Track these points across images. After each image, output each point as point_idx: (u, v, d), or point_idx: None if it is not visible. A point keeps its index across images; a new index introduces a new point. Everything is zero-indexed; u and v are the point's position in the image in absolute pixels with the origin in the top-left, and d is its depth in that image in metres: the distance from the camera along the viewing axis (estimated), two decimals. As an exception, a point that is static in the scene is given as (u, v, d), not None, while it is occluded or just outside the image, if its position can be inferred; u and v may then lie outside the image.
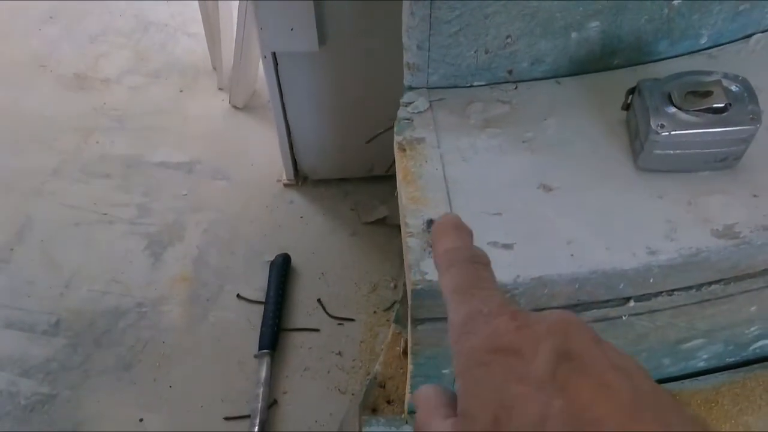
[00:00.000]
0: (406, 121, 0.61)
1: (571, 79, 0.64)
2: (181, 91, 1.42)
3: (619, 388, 0.21)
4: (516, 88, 0.65)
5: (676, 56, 0.63)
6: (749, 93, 0.49)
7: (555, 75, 0.65)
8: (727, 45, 0.63)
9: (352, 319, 0.94)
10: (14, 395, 0.79)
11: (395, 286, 0.98)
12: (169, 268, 1.00)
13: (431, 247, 0.32)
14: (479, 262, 0.29)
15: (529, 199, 0.51)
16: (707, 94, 0.49)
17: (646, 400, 0.21)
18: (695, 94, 0.49)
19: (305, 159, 1.19)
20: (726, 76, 0.51)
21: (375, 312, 0.95)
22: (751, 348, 0.55)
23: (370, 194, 1.16)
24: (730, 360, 0.56)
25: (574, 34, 0.60)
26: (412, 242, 0.49)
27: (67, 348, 0.86)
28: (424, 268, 0.47)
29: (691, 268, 0.46)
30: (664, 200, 0.49)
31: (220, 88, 1.46)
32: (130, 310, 0.93)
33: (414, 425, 0.27)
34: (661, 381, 0.56)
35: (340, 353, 0.89)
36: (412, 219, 0.50)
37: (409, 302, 0.48)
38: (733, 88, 0.50)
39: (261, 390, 0.82)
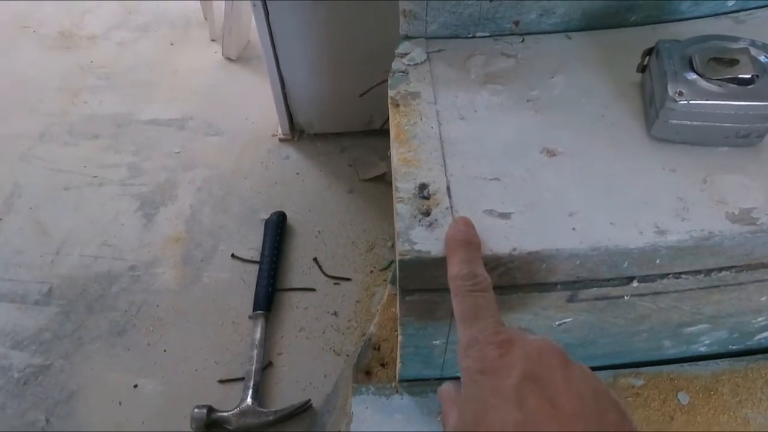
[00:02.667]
0: (401, 74, 0.52)
1: (583, 34, 0.54)
2: (171, 44, 1.30)
3: (566, 409, 0.26)
4: (522, 41, 0.54)
5: (700, 17, 0.53)
6: None
7: (566, 29, 0.54)
8: (756, 10, 0.54)
9: (348, 279, 0.87)
10: (7, 369, 0.75)
11: (392, 246, 0.91)
12: (162, 229, 0.93)
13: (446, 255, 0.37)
14: (479, 290, 0.33)
15: (530, 164, 0.42)
16: (732, 62, 0.40)
17: (591, 416, 0.26)
18: (719, 62, 0.40)
19: (301, 113, 1.08)
20: (754, 44, 0.42)
21: (372, 271, 0.88)
22: (756, 338, 0.48)
23: (368, 149, 1.06)
24: (732, 347, 0.49)
25: None
26: (401, 208, 0.41)
27: (59, 316, 0.81)
28: (413, 237, 0.39)
29: (702, 252, 0.37)
30: (677, 174, 0.40)
31: (212, 40, 1.34)
32: (122, 274, 0.86)
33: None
34: (660, 363, 0.49)
35: (335, 313, 0.83)
36: (403, 183, 0.42)
37: (397, 272, 0.40)
38: (762, 58, 0.41)
39: (255, 352, 0.76)
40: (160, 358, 0.77)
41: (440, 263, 0.38)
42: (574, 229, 0.38)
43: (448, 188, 0.42)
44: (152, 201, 0.97)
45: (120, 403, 0.72)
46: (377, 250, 0.91)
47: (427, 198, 0.41)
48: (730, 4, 0.53)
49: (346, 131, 1.09)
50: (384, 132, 1.06)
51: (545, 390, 0.27)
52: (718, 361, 0.48)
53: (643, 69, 0.46)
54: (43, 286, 0.85)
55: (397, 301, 0.46)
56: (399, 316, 0.45)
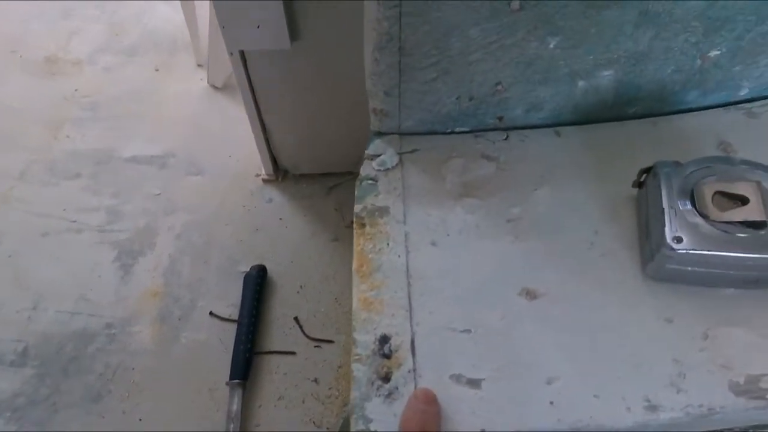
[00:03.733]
0: (370, 182, 0.48)
1: (574, 129, 0.48)
2: (156, 70, 1.25)
3: None
4: (507, 138, 0.49)
5: (708, 107, 0.47)
6: None
7: (555, 123, 0.49)
8: None
9: (330, 341, 0.85)
10: (-23, 438, 0.73)
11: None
12: (140, 282, 0.90)
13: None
14: None
15: (507, 310, 0.38)
16: (741, 199, 0.35)
17: None
18: (726, 197, 0.35)
19: (284, 154, 1.04)
20: (761, 167, 0.37)
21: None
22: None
23: (355, 191, 1.02)
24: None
25: (581, 83, 0.45)
26: (358, 371, 0.37)
27: (34, 379, 0.79)
28: (369, 412, 0.35)
29: (699, 427, 0.34)
30: (674, 327, 0.36)
31: (198, 65, 1.28)
32: (98, 332, 0.84)
33: None
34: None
35: (316, 380, 0.81)
36: (362, 335, 0.39)
37: None
38: None
39: (232, 426, 0.74)
40: (135, 428, 0.75)
41: (398, 444, 0.35)
42: (552, 402, 0.35)
43: (412, 342, 0.39)
44: (130, 250, 0.94)
45: (92, 479, 0.71)
46: (360, 308, 0.88)
47: (388, 357, 0.38)
48: (742, 93, 0.47)
49: (333, 172, 1.05)
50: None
51: None
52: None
53: (639, 185, 0.41)
54: (18, 345, 0.82)
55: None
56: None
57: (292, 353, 0.83)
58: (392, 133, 0.52)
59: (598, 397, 0.35)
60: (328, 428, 0.76)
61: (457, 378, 0.37)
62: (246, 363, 0.80)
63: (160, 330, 0.85)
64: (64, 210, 0.99)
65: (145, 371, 0.81)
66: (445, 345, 0.38)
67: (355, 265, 0.43)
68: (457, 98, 0.49)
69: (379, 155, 0.50)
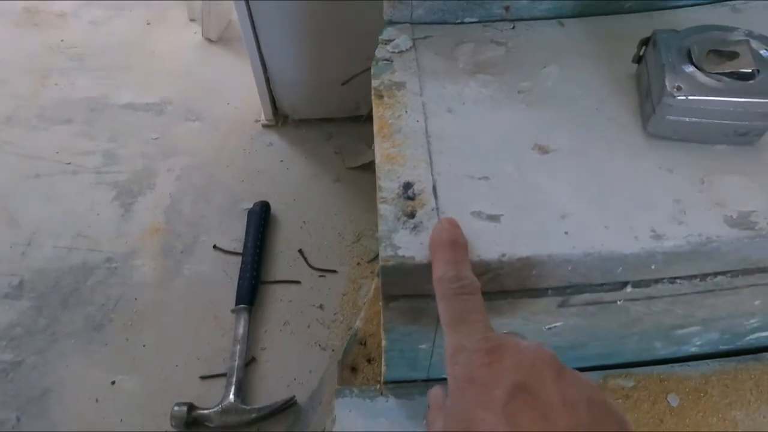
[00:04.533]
0: (385, 62, 0.49)
1: (577, 20, 0.51)
2: (148, 23, 1.25)
3: (560, 421, 0.25)
4: (513, 27, 0.52)
5: (696, 4, 0.51)
6: None
7: (558, 15, 0.52)
8: (754, 0, 0.51)
9: (334, 271, 0.85)
10: (-25, 365, 0.72)
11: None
12: (140, 220, 0.89)
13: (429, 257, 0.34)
14: (467, 293, 0.31)
15: (521, 162, 0.40)
16: (732, 55, 0.38)
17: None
18: (718, 54, 0.38)
19: (284, 97, 1.04)
20: (753, 35, 0.40)
21: (359, 263, 0.86)
22: (746, 338, 0.47)
23: (355, 136, 1.03)
24: (722, 347, 0.48)
25: None
26: (385, 210, 0.38)
27: (31, 311, 0.78)
28: (397, 241, 0.36)
29: (698, 258, 0.36)
30: (674, 174, 0.38)
31: (191, 20, 1.28)
32: (98, 266, 0.83)
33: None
34: (650, 363, 0.48)
35: (321, 306, 0.81)
36: (386, 182, 0.40)
37: (380, 278, 0.38)
38: (763, 52, 0.39)
39: (238, 348, 0.74)
40: (139, 354, 0.75)
41: (425, 270, 0.36)
42: (566, 233, 0.36)
43: (434, 188, 0.40)
44: (129, 190, 0.93)
45: (97, 401, 0.70)
46: (364, 241, 0.89)
47: (412, 198, 0.39)
48: None
49: (332, 117, 1.05)
50: (371, 118, 1.02)
51: (538, 403, 0.25)
52: (708, 361, 0.47)
53: (639, 60, 0.44)
54: (13, 279, 0.81)
55: (381, 307, 0.44)
56: (383, 321, 0.44)
57: (297, 282, 0.83)
58: (404, 22, 0.53)
59: (608, 228, 0.36)
60: (333, 350, 0.76)
61: (477, 214, 0.38)
62: (251, 290, 0.80)
63: (162, 263, 0.84)
64: (57, 153, 0.98)
65: (147, 302, 0.80)
66: (465, 189, 0.40)
67: (376, 129, 0.43)
68: (466, -17, 0.50)
69: (392, 40, 0.51)
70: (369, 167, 0.99)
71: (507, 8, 0.52)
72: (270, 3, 0.85)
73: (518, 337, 0.29)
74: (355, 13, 0.86)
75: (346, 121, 1.05)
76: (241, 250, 0.86)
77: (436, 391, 0.34)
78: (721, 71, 0.38)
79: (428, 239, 0.36)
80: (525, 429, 0.24)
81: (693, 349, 0.48)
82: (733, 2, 0.52)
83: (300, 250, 0.87)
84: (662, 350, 0.47)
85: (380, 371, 0.61)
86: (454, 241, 0.34)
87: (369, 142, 1.04)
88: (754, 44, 0.39)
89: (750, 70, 0.37)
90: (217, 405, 0.69)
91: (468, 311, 0.30)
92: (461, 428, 0.26)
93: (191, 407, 0.68)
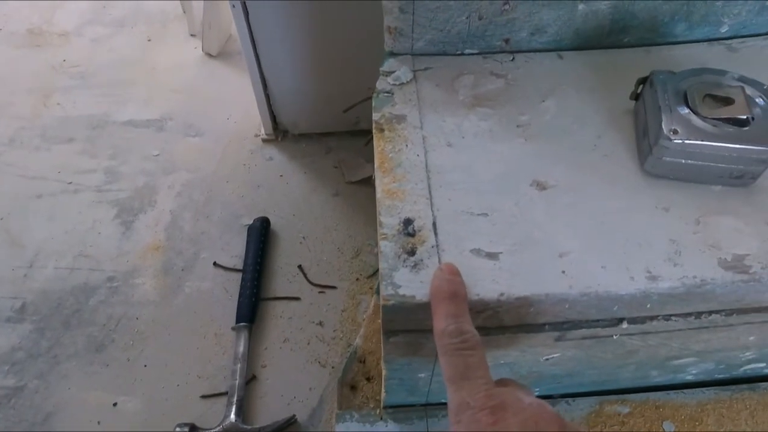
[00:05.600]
0: (386, 94, 0.49)
1: (576, 53, 0.52)
2: (148, 40, 1.24)
3: None
4: (513, 59, 0.52)
5: (693, 41, 0.51)
6: None
7: (557, 48, 0.52)
8: (750, 38, 0.53)
9: (333, 287, 0.85)
10: (-22, 392, 0.71)
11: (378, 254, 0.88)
12: (141, 237, 0.89)
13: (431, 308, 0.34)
14: (468, 348, 0.31)
15: (519, 198, 0.40)
16: (728, 101, 0.39)
17: None
18: (714, 99, 0.39)
19: (284, 112, 1.04)
20: (747, 81, 0.41)
21: (358, 279, 0.85)
22: (741, 369, 0.47)
23: (354, 151, 1.03)
24: (718, 376, 0.48)
25: (581, 6, 0.48)
26: (385, 247, 0.38)
27: (33, 334, 0.77)
28: (397, 280, 0.36)
29: (693, 298, 0.36)
30: (670, 214, 0.39)
31: (191, 35, 1.28)
32: (100, 285, 0.83)
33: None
34: (647, 390, 0.48)
35: (320, 323, 0.81)
36: (387, 217, 0.40)
37: (381, 315, 0.38)
38: (758, 99, 0.40)
39: (238, 366, 0.74)
40: (140, 374, 0.74)
41: (425, 308, 0.36)
42: (563, 272, 0.36)
43: (434, 224, 0.40)
44: (130, 208, 0.93)
45: (99, 423, 0.69)
46: (363, 257, 0.88)
47: (412, 235, 0.39)
48: (723, 30, 0.51)
49: (332, 131, 1.05)
50: (371, 132, 1.02)
51: None
52: (704, 389, 0.47)
53: (636, 97, 0.44)
54: (15, 302, 0.81)
55: (381, 340, 0.44)
56: (383, 354, 0.43)
57: (297, 299, 0.83)
58: (405, 54, 0.53)
59: (605, 268, 0.37)
60: (333, 367, 0.76)
61: (477, 251, 0.38)
62: (252, 307, 0.80)
63: (163, 281, 0.84)
64: (59, 173, 0.98)
65: (149, 320, 0.80)
66: (465, 225, 0.40)
67: (377, 163, 0.43)
68: (467, 17, 0.50)
69: (393, 71, 0.51)
70: (368, 182, 0.99)
71: (507, 40, 0.52)
72: (270, 18, 0.84)
73: (520, 393, 0.29)
74: (356, 29, 0.86)
75: (346, 136, 1.05)
76: (241, 267, 0.85)
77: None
78: (716, 116, 0.38)
79: (429, 278, 0.36)
80: None
81: (689, 378, 0.48)
82: (729, 41, 0.52)
83: (300, 266, 0.87)
84: (658, 378, 0.47)
85: (379, 389, 0.61)
86: (455, 294, 0.34)
87: (368, 156, 1.03)
88: (749, 90, 0.40)
89: (745, 117, 0.37)
90: (218, 425, 0.68)
91: (470, 367, 0.30)
92: None
93: (193, 428, 0.68)
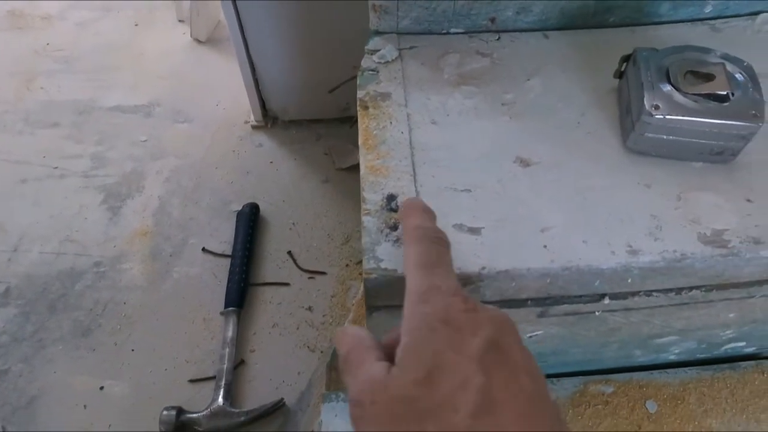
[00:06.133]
0: (371, 72, 0.49)
1: (561, 33, 0.51)
2: (135, 25, 1.22)
3: (526, 387, 0.24)
4: (498, 38, 0.51)
5: (677, 21, 0.51)
6: (754, 84, 0.39)
7: (543, 27, 0.52)
8: (733, 19, 0.52)
9: (323, 273, 0.85)
10: (-39, 375, 0.71)
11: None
12: (129, 223, 0.88)
13: (400, 220, 0.33)
14: (443, 244, 0.31)
15: (503, 175, 0.40)
16: (709, 77, 0.39)
17: (542, 404, 0.25)
18: (695, 75, 0.39)
19: (274, 98, 1.03)
20: (729, 58, 0.41)
21: (347, 265, 0.85)
22: (722, 348, 0.48)
23: (344, 137, 1.02)
24: (700, 356, 0.49)
25: None
26: (368, 222, 0.38)
27: (18, 317, 0.77)
28: (380, 254, 0.36)
29: (673, 273, 0.36)
30: (652, 190, 0.39)
31: (180, 20, 1.26)
32: (86, 270, 0.82)
33: (341, 362, 0.28)
34: (630, 370, 0.48)
35: (310, 308, 0.81)
36: (370, 193, 0.40)
37: (363, 289, 0.38)
38: (738, 75, 0.40)
39: (227, 350, 0.74)
40: (127, 359, 0.74)
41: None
42: (545, 246, 0.36)
43: (416, 199, 0.39)
44: (117, 193, 0.92)
45: (85, 407, 0.69)
46: (353, 243, 0.88)
47: (395, 210, 0.39)
48: (707, 10, 0.51)
49: (322, 118, 1.05)
50: (356, 118, 1.02)
51: (508, 362, 0.24)
52: (686, 369, 0.47)
53: (620, 75, 0.44)
54: None
55: (365, 316, 0.44)
56: (366, 328, 0.43)
57: (286, 284, 0.83)
58: (390, 32, 0.52)
59: (586, 242, 0.37)
60: (322, 352, 0.76)
61: (459, 227, 0.38)
62: (241, 292, 0.79)
63: (151, 266, 0.84)
64: (44, 157, 0.96)
65: (136, 305, 0.79)
66: (448, 201, 0.39)
67: (361, 140, 0.43)
68: (452, -6, 0.49)
69: (378, 50, 0.51)
70: (358, 168, 0.98)
71: (493, 20, 0.52)
72: (258, 3, 0.83)
73: None
74: (344, 14, 0.85)
75: (336, 122, 1.04)
76: (230, 252, 0.85)
77: (355, 330, 0.30)
78: (697, 92, 0.38)
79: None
80: (497, 382, 0.23)
81: (672, 357, 0.48)
82: (713, 21, 0.52)
83: (289, 252, 0.87)
84: (642, 357, 0.48)
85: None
86: (426, 207, 0.33)
87: (358, 143, 1.03)
88: (730, 67, 0.40)
89: (725, 93, 0.37)
90: (206, 408, 0.68)
91: (442, 259, 0.29)
92: (426, 366, 0.24)
93: (180, 411, 0.67)
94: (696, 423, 0.44)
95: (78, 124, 1.01)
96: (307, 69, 0.95)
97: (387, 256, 0.36)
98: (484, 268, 0.35)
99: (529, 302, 0.39)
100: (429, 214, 0.33)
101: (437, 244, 0.30)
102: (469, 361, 0.24)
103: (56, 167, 0.94)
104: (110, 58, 1.14)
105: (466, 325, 0.25)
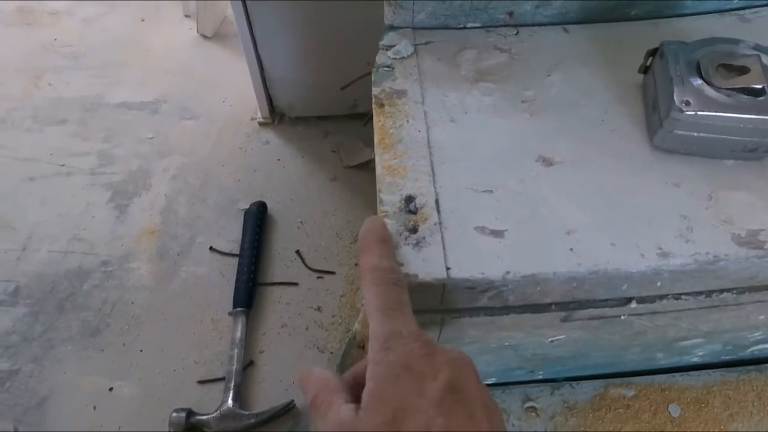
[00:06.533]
0: (386, 68, 0.47)
1: (581, 27, 0.50)
2: (142, 20, 1.21)
3: (483, 424, 0.26)
4: (517, 33, 0.50)
5: (703, 13, 0.49)
6: None
7: (563, 21, 0.50)
8: (764, 8, 0.50)
9: (332, 272, 0.83)
10: (-29, 375, 0.70)
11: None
12: (136, 221, 0.87)
13: (358, 253, 0.34)
14: (401, 285, 0.32)
15: (525, 175, 0.39)
16: (743, 70, 0.37)
17: None
18: (728, 68, 0.37)
19: (281, 95, 1.02)
20: (762, 49, 0.39)
21: (356, 264, 0.84)
22: (748, 350, 0.46)
23: (352, 134, 1.00)
24: (724, 358, 0.47)
25: None
26: (387, 224, 0.37)
27: (27, 317, 0.76)
28: (400, 258, 0.35)
29: (705, 275, 0.35)
30: (681, 190, 0.37)
31: (186, 15, 1.25)
32: (94, 269, 0.81)
33: (310, 403, 0.30)
34: (652, 372, 0.47)
35: (319, 308, 0.80)
36: (387, 195, 0.38)
37: None
38: None
39: (236, 351, 0.73)
40: (136, 359, 0.73)
41: (427, 287, 0.35)
42: (571, 249, 0.35)
43: (436, 201, 0.38)
44: (125, 191, 0.91)
45: (94, 408, 0.68)
46: (361, 242, 0.87)
47: (414, 212, 0.38)
48: (735, 1, 0.49)
49: (330, 115, 1.03)
50: (370, 118, 1.01)
51: (466, 403, 0.27)
52: (710, 371, 0.46)
53: (645, 70, 0.42)
54: (8, 285, 0.79)
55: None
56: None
57: (295, 284, 0.82)
58: (406, 27, 0.51)
59: (614, 245, 0.35)
60: (332, 352, 0.75)
61: (481, 229, 0.37)
62: (249, 292, 0.78)
63: (158, 266, 0.83)
64: (52, 155, 0.95)
65: (144, 305, 0.78)
66: (468, 203, 0.38)
67: (376, 139, 0.42)
68: (468, -12, 0.48)
69: (393, 45, 0.49)
70: (367, 166, 0.97)
71: (511, 14, 0.50)
72: (267, 1, 0.82)
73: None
74: (354, 9, 0.83)
75: (344, 119, 1.03)
76: (237, 251, 0.84)
77: (320, 373, 0.32)
78: (730, 86, 0.36)
79: (432, 260, 0.34)
80: (457, 425, 0.25)
81: (695, 359, 0.47)
82: (742, 12, 0.50)
83: (297, 251, 0.85)
84: (664, 360, 0.46)
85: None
86: (385, 239, 0.34)
87: (367, 140, 1.01)
88: (765, 59, 0.38)
89: (761, 86, 0.36)
90: (216, 410, 0.68)
91: (402, 302, 0.30)
92: (391, 411, 0.26)
93: (190, 413, 0.67)
94: (721, 427, 0.43)
95: (85, 120, 1.00)
96: (315, 65, 0.93)
97: (407, 260, 0.35)
98: (508, 272, 0.34)
99: (553, 307, 0.38)
100: (386, 245, 0.33)
101: (396, 286, 0.31)
102: (430, 404, 0.26)
103: (63, 165, 0.94)
104: (117, 53, 1.13)
105: (426, 370, 0.27)
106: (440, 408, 0.26)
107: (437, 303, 0.36)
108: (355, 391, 0.29)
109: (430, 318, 0.38)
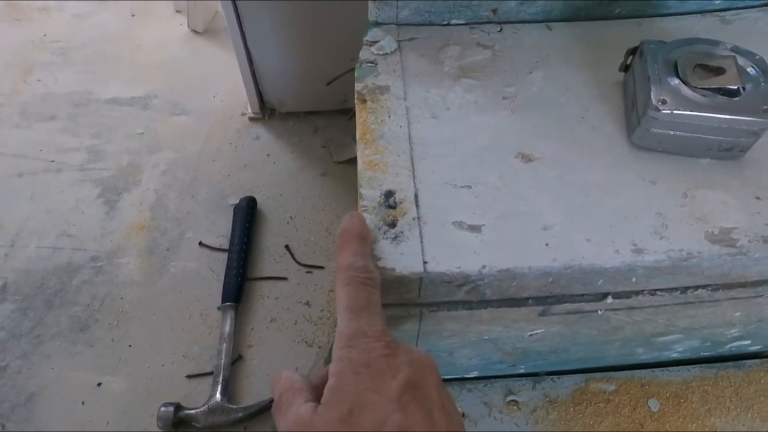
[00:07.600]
0: (370, 64, 0.47)
1: (565, 25, 0.50)
2: (132, 15, 1.20)
3: (441, 424, 0.27)
4: (500, 30, 0.50)
5: (685, 13, 0.50)
6: (766, 78, 0.37)
7: (546, 19, 0.50)
8: (744, 11, 0.51)
9: (321, 267, 0.83)
10: (-42, 370, 0.70)
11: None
12: (125, 217, 0.87)
13: (338, 249, 0.35)
14: (371, 285, 0.32)
15: (504, 171, 0.39)
16: (719, 71, 0.37)
17: None
18: (705, 69, 0.38)
19: (271, 90, 1.01)
20: (739, 51, 0.39)
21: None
22: (727, 346, 0.47)
23: (342, 130, 1.00)
24: (704, 354, 0.47)
25: None
26: (365, 219, 0.37)
27: (15, 313, 0.75)
28: (378, 252, 0.35)
29: (679, 272, 0.35)
30: (658, 187, 0.37)
31: (177, 11, 1.24)
32: (84, 265, 0.81)
33: (275, 404, 0.31)
34: (633, 368, 0.47)
35: (308, 303, 0.79)
36: (367, 189, 0.38)
37: None
38: (750, 70, 0.38)
39: (224, 346, 0.73)
40: (125, 354, 0.73)
41: (405, 281, 0.35)
42: (547, 245, 0.35)
43: (416, 196, 0.38)
44: (114, 187, 0.91)
45: (83, 403, 0.68)
46: (351, 237, 0.87)
47: (393, 207, 0.37)
48: (717, 2, 0.49)
49: (320, 110, 1.03)
50: (354, 111, 1.00)
51: (425, 401, 0.27)
52: (689, 367, 0.46)
53: (625, 69, 0.42)
54: (-3, 281, 0.79)
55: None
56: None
57: (284, 279, 0.82)
58: (390, 23, 0.51)
59: (589, 240, 0.35)
60: (320, 347, 0.75)
61: (459, 224, 0.37)
62: (238, 287, 0.78)
63: (148, 261, 0.82)
64: (41, 151, 0.95)
65: (133, 300, 0.78)
66: (447, 198, 0.38)
67: (358, 135, 0.42)
68: (452, -17, 0.48)
69: (377, 41, 0.49)
70: (356, 161, 0.97)
71: (495, 11, 0.50)
72: (255, -4, 0.82)
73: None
74: (342, 5, 0.83)
75: (334, 114, 1.02)
76: (227, 247, 0.84)
77: (288, 375, 0.33)
78: (706, 86, 0.37)
79: (410, 255, 0.34)
80: (414, 419, 0.26)
81: (674, 355, 0.47)
82: (723, 13, 0.50)
83: (287, 246, 0.85)
84: (644, 355, 0.47)
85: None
86: (363, 236, 0.34)
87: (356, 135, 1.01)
88: (741, 60, 0.38)
89: (736, 87, 0.36)
90: (204, 405, 0.68)
91: (371, 302, 0.31)
92: (348, 407, 0.26)
93: (178, 407, 0.67)
94: (699, 422, 0.43)
95: (74, 116, 1.00)
96: (304, 60, 0.93)
97: (385, 254, 0.35)
98: (484, 266, 0.34)
99: (530, 301, 0.38)
100: (363, 243, 0.33)
101: (366, 286, 0.32)
102: (388, 401, 0.26)
103: (52, 161, 0.93)
104: (107, 49, 1.12)
105: (386, 368, 0.28)
106: (397, 405, 0.26)
107: (415, 296, 0.36)
108: (322, 391, 0.29)
109: (409, 311, 0.38)
